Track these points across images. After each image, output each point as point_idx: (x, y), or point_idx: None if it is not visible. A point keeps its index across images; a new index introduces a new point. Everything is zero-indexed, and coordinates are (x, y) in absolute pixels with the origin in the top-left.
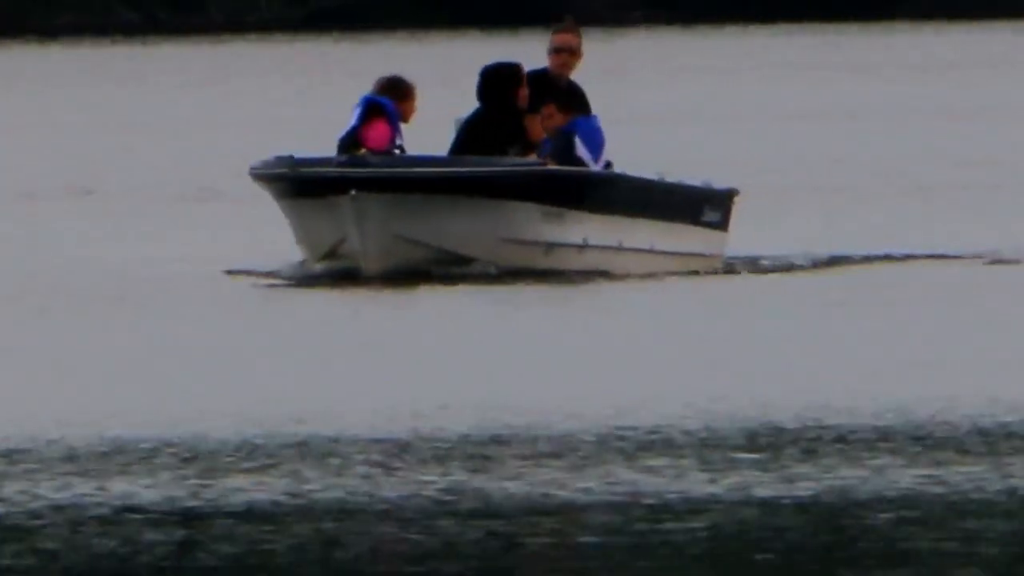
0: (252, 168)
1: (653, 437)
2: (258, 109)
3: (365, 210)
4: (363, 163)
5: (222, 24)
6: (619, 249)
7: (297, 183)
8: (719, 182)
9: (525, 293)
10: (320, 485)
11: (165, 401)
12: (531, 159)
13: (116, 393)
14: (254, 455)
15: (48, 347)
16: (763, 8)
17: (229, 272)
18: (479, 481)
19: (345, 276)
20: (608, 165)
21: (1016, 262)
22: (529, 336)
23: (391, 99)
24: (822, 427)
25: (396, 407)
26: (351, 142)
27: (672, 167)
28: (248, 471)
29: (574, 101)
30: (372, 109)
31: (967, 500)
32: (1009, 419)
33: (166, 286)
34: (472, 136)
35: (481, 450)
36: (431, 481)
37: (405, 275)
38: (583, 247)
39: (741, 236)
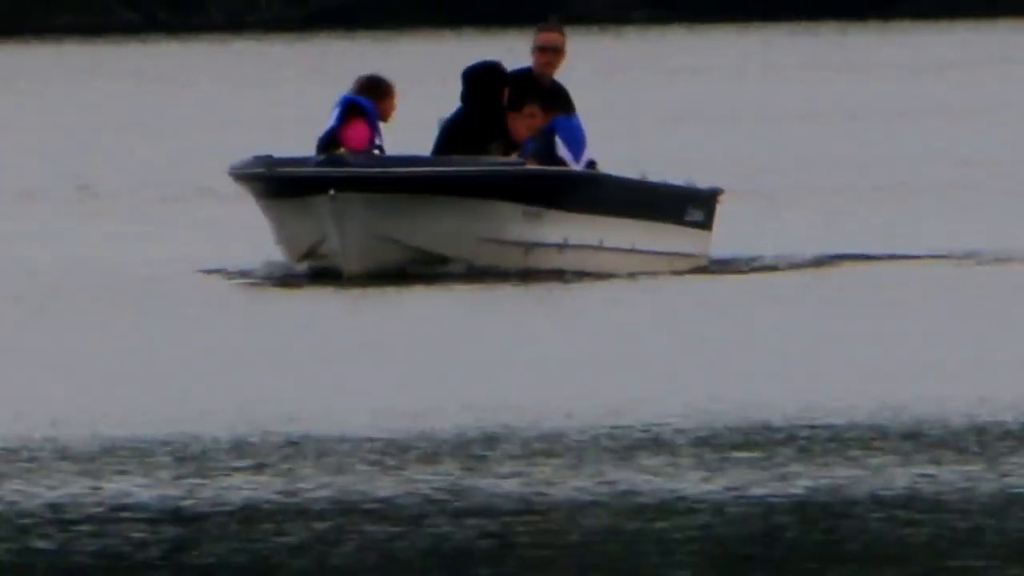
0: (232, 168)
1: (647, 436)
2: (258, 109)
3: (344, 210)
4: (342, 163)
5: (222, 24)
6: (600, 249)
7: (275, 183)
8: (714, 182)
9: (518, 293)
10: (314, 484)
11: (161, 400)
12: (511, 159)
13: (112, 392)
14: (249, 454)
15: (46, 347)
16: (763, 8)
17: (206, 271)
18: (473, 480)
19: (324, 276)
20: (592, 164)
21: (1015, 262)
22: (522, 335)
23: (370, 98)
24: (817, 426)
25: (390, 406)
26: (330, 142)
27: (672, 167)
28: (243, 470)
29: (557, 100)
30: (351, 109)
31: (962, 499)
32: (1004, 418)
33: (163, 286)
34: (454, 136)
35: (475, 449)
36: (425, 480)
37: (386, 275)
38: (563, 247)
39: (741, 236)
